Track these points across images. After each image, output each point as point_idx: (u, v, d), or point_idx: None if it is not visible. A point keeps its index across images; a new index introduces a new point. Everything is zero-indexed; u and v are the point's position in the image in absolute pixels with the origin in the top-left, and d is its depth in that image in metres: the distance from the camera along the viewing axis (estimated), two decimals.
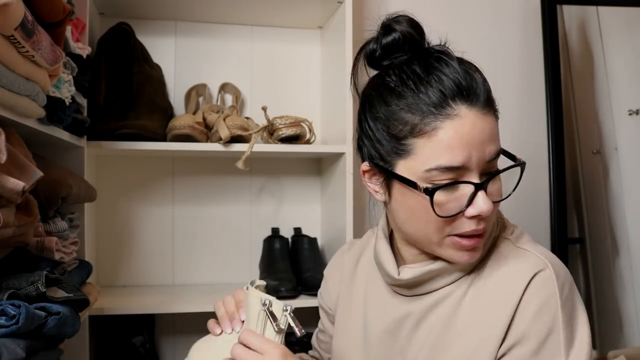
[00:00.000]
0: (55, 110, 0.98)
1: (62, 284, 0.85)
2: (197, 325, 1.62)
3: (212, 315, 1.34)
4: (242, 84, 1.68)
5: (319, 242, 1.64)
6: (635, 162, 1.80)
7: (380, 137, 0.77)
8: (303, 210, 1.69)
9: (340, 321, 0.97)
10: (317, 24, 1.69)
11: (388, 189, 0.79)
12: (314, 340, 1.09)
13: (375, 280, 0.91)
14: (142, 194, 1.62)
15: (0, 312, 0.72)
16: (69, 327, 0.80)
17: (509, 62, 1.82)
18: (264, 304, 0.81)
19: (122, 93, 1.42)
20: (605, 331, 1.75)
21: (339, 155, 1.48)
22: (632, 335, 1.75)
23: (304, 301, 1.41)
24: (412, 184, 0.73)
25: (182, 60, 1.65)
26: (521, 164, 0.77)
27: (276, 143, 1.46)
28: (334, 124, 1.57)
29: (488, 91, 0.76)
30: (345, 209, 1.43)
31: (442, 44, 0.82)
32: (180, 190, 1.64)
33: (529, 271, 0.74)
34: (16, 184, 0.72)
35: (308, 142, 1.50)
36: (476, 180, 0.72)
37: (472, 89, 0.73)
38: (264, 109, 1.46)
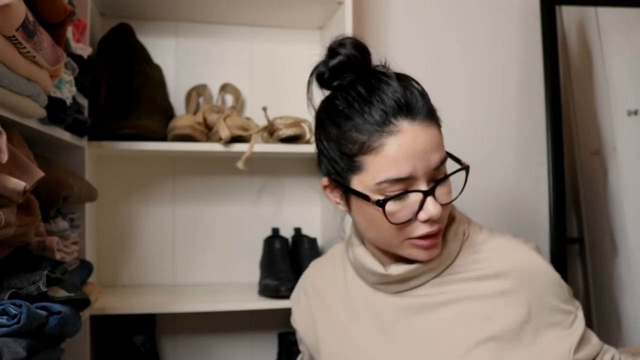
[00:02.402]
0: (56, 110, 0.98)
1: (63, 283, 0.85)
2: (197, 324, 1.63)
3: (212, 315, 1.34)
4: (242, 84, 1.68)
5: (319, 242, 1.64)
6: (634, 163, 1.80)
7: (334, 156, 0.83)
8: (303, 210, 1.69)
9: (326, 335, 0.96)
10: (317, 24, 1.69)
11: (347, 201, 0.86)
12: None
13: (355, 286, 0.93)
14: (143, 194, 1.62)
15: (2, 311, 0.72)
16: (70, 327, 0.81)
17: (508, 62, 1.82)
18: None
19: (123, 93, 1.42)
20: (603, 331, 1.75)
21: None
22: (631, 336, 1.75)
23: None
24: (365, 197, 0.80)
25: (182, 60, 1.66)
26: (465, 168, 0.83)
27: (276, 143, 1.47)
28: None
29: (428, 104, 0.81)
30: None
31: (383, 63, 0.87)
32: (180, 190, 1.65)
33: (518, 258, 0.85)
34: (17, 184, 0.72)
35: (308, 142, 1.51)
36: (424, 187, 0.78)
37: (411, 104, 0.78)
38: (264, 109, 1.47)
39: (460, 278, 0.85)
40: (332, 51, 0.85)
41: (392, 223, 0.79)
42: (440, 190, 0.80)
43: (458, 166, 0.84)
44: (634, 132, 1.80)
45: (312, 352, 1.00)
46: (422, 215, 0.78)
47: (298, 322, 1.03)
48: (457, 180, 0.85)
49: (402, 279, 0.86)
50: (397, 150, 0.77)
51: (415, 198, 0.78)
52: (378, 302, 0.89)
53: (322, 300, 0.99)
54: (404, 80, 0.82)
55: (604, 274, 1.79)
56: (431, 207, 0.78)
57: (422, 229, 0.79)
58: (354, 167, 0.81)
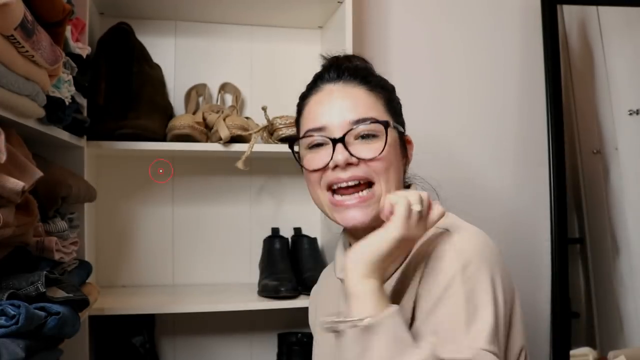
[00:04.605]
0: (55, 110, 0.98)
1: (62, 284, 0.85)
2: (197, 325, 1.62)
3: (212, 315, 1.34)
4: (242, 84, 1.68)
5: (319, 242, 1.64)
6: (636, 162, 1.80)
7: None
8: (303, 210, 1.68)
9: (317, 332, 1.02)
10: (317, 24, 1.69)
11: None
12: None
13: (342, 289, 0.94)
14: (142, 194, 1.61)
15: (0, 312, 0.72)
16: (68, 327, 0.81)
17: (509, 62, 1.82)
18: None
19: (122, 93, 1.42)
20: (605, 331, 1.75)
21: None
22: (633, 336, 1.75)
23: (304, 301, 1.41)
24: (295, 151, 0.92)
25: (182, 60, 1.65)
26: (383, 122, 0.85)
27: (276, 143, 1.46)
28: None
29: (364, 73, 0.90)
30: None
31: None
32: (180, 190, 1.64)
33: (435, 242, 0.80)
34: (16, 183, 0.72)
35: None
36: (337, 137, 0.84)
37: (339, 70, 0.89)
38: (264, 109, 1.46)
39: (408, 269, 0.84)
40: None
41: (304, 168, 0.88)
42: (360, 146, 0.83)
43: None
44: (635, 132, 1.80)
45: None
46: (331, 163, 0.83)
47: (310, 321, 1.09)
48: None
49: None
50: (314, 103, 0.89)
51: (329, 148, 0.84)
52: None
53: (321, 309, 1.02)
54: (354, 58, 0.95)
55: (605, 274, 1.78)
56: (338, 154, 0.82)
57: (331, 176, 0.84)
58: (298, 133, 0.93)
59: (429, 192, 0.91)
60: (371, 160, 0.83)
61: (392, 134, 0.86)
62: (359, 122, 0.84)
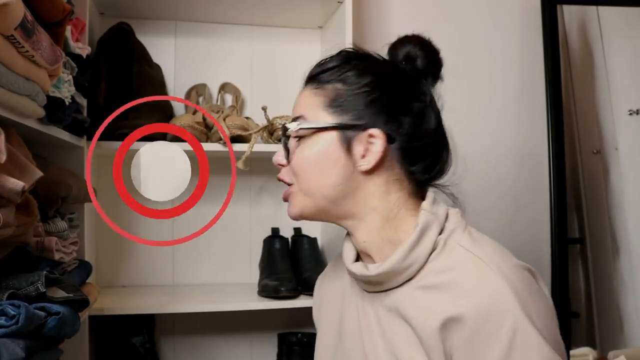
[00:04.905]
0: (55, 110, 0.98)
1: (62, 284, 0.85)
2: (197, 325, 1.62)
3: (212, 315, 1.33)
4: (242, 84, 1.68)
5: (319, 242, 1.64)
6: (636, 162, 1.80)
7: None
8: None
9: (320, 325, 1.00)
10: (317, 24, 1.69)
11: None
12: None
13: (349, 281, 0.93)
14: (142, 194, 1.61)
15: (0, 312, 0.71)
16: (68, 327, 0.80)
17: (509, 62, 1.82)
18: None
19: (122, 93, 1.42)
20: (605, 331, 1.75)
21: None
22: (633, 335, 1.75)
23: (304, 301, 1.41)
24: None
25: (182, 60, 1.65)
26: (282, 127, 0.87)
27: (276, 143, 1.46)
28: None
29: (315, 71, 0.89)
30: None
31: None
32: None
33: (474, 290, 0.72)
34: (16, 183, 0.72)
35: None
36: None
37: (308, 75, 0.90)
38: (264, 109, 1.46)
39: (420, 285, 0.78)
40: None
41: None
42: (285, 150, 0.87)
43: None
44: (635, 132, 1.80)
45: None
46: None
47: (314, 315, 1.05)
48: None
49: (367, 281, 0.83)
50: None
51: None
52: (362, 303, 0.88)
53: (326, 301, 1.00)
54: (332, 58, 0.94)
55: (605, 274, 1.78)
56: (276, 156, 0.89)
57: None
58: None
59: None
60: (286, 163, 0.87)
61: (307, 135, 0.83)
62: (292, 124, 0.86)
